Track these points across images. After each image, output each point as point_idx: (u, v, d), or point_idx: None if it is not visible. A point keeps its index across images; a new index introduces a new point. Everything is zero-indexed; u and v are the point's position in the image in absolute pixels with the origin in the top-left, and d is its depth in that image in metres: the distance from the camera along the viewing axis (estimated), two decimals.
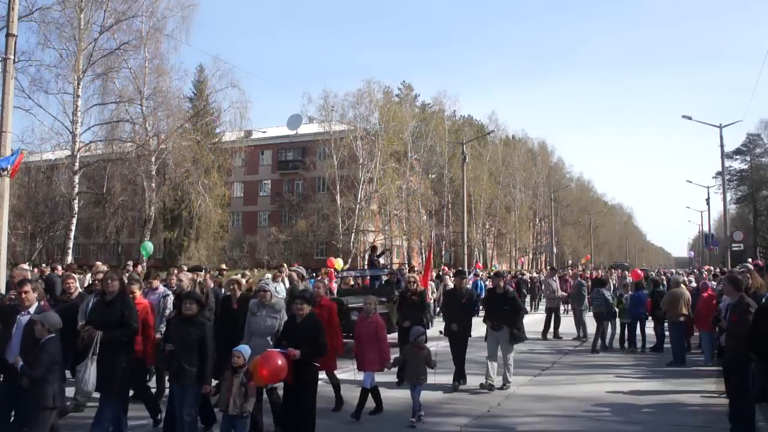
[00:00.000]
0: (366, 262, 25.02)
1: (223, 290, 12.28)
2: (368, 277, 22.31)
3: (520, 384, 12.55)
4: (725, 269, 24.19)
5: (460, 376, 12.25)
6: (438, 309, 21.41)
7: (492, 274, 22.45)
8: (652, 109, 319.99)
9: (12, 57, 16.67)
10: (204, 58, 52.52)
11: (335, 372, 10.44)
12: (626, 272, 31.23)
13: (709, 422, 9.61)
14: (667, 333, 16.64)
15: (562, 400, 11.21)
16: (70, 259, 30.75)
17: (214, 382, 8.04)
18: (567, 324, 21.15)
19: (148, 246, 26.89)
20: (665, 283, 21.23)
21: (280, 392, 8.68)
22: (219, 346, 8.12)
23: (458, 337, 12.19)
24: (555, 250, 77.21)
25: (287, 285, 20.58)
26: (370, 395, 9.89)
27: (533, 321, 26.18)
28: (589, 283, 22.23)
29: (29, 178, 45.47)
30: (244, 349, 7.87)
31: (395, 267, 31.02)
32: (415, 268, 33.92)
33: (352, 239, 51.11)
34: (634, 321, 17.91)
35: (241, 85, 45.69)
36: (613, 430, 9.51)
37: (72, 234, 32.76)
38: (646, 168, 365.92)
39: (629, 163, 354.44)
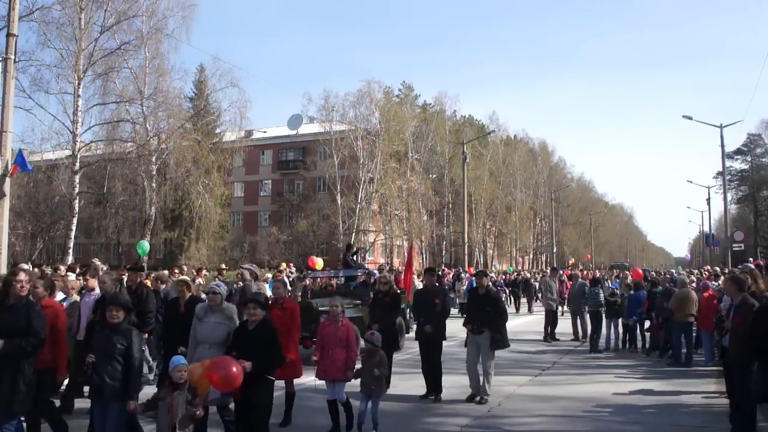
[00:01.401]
0: (341, 262, 23.12)
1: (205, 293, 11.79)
2: (343, 278, 21.16)
3: (521, 384, 12.55)
4: (725, 269, 24.17)
5: (435, 387, 11.18)
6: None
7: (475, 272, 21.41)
8: (652, 109, 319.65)
9: (12, 57, 16.71)
10: (204, 58, 52.76)
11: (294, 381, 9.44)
12: (627, 272, 31.21)
13: (709, 422, 9.60)
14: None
15: (562, 400, 11.20)
16: (70, 259, 30.74)
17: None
18: (565, 325, 21.07)
19: (145, 245, 26.85)
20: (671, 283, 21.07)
21: (239, 406, 7.68)
22: (166, 355, 7.69)
23: (430, 342, 11.28)
24: (555, 250, 77.23)
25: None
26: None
27: (528, 322, 26.33)
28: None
29: (29, 177, 45.41)
30: (184, 362, 6.94)
31: (371, 266, 29.65)
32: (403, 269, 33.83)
33: (352, 239, 51.07)
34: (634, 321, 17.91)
35: (242, 85, 45.96)
36: (613, 430, 9.49)
37: (72, 234, 32.76)
38: (646, 168, 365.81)
39: (630, 163, 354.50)
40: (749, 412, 8.48)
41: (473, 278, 29.83)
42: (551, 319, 20.73)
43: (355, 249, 21.68)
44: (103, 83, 34.42)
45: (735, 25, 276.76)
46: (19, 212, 42.25)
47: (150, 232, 37.97)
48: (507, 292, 35.34)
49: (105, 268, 19.95)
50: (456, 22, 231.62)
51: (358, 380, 8.82)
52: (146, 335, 10.38)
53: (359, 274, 19.98)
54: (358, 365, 8.94)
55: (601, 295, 18.60)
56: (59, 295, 10.79)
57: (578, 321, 19.95)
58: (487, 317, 10.98)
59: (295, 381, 9.44)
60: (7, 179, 16.14)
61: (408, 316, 17.67)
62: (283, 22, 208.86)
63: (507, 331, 11.28)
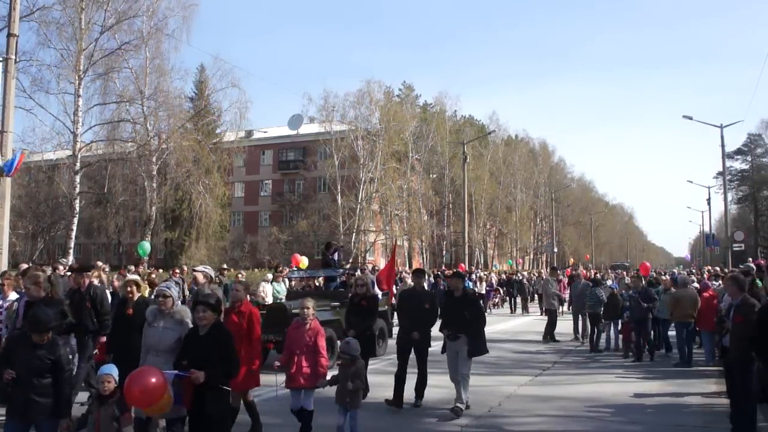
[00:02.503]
0: (321, 261, 21.56)
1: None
2: (322, 278, 20.32)
3: (521, 384, 12.55)
4: (725, 269, 24.19)
5: (419, 393, 10.66)
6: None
7: (451, 273, 19.18)
8: (653, 109, 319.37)
9: (13, 57, 16.71)
10: (205, 58, 52.76)
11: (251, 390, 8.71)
12: (625, 272, 31.21)
13: (710, 422, 9.60)
14: (671, 332, 16.65)
15: (562, 400, 11.20)
16: (71, 258, 30.75)
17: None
18: (565, 325, 21.05)
19: (145, 246, 26.87)
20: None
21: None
22: (115, 361, 7.06)
23: (417, 349, 10.57)
24: (556, 250, 77.27)
25: (286, 285, 20.53)
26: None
27: (528, 322, 26.33)
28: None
29: (30, 177, 45.49)
30: (113, 371, 6.40)
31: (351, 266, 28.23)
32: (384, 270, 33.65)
33: (353, 239, 51.11)
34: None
35: (242, 85, 45.88)
36: (614, 430, 9.50)
37: (73, 234, 32.76)
38: (647, 168, 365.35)
39: (630, 163, 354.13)
40: (750, 412, 8.48)
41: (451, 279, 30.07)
42: (551, 320, 20.56)
43: (334, 248, 20.44)
44: (103, 83, 34.43)
45: (735, 25, 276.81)
46: (20, 212, 42.35)
47: (150, 232, 37.97)
48: (501, 292, 35.38)
49: (107, 269, 20.11)
50: (456, 22, 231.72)
51: (333, 388, 8.24)
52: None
53: (338, 274, 18.63)
54: (334, 372, 8.53)
55: (603, 295, 18.54)
56: (12, 295, 10.17)
57: (579, 321, 19.91)
58: (464, 322, 10.20)
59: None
60: (8, 179, 16.13)
61: (391, 318, 17.17)
62: (284, 22, 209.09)
63: (486, 337, 10.59)
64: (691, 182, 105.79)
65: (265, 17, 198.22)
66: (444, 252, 65.57)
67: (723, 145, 41.60)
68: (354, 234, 50.99)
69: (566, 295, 25.10)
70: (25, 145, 31.09)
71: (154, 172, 37.22)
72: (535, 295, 34.24)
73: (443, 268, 42.94)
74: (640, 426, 9.51)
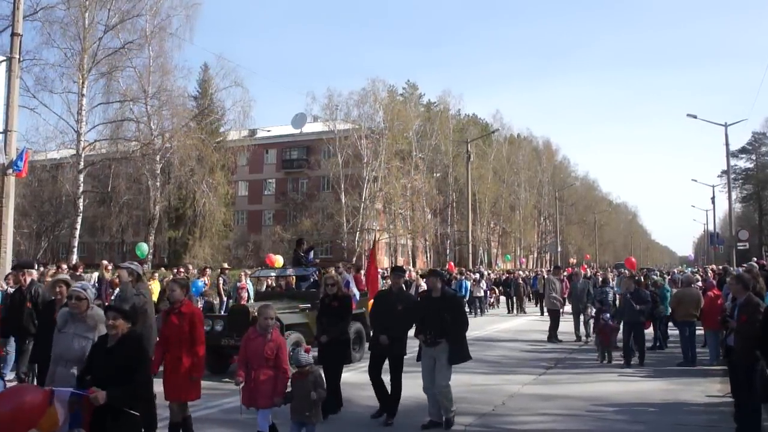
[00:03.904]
0: (292, 259, 19.80)
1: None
2: (293, 278, 18.70)
3: (525, 383, 12.50)
4: (731, 268, 24.13)
5: (389, 409, 9.45)
6: None
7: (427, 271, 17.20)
8: (657, 107, 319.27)
9: (17, 56, 16.77)
10: (208, 57, 52.91)
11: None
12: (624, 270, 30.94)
13: (714, 422, 9.56)
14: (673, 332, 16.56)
15: (566, 399, 11.16)
16: (75, 257, 30.82)
17: None
18: (567, 326, 20.89)
19: (143, 247, 26.89)
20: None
21: None
22: (40, 373, 6.51)
23: (389, 357, 9.52)
24: (560, 249, 77.21)
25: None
26: None
27: (530, 322, 26.26)
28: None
29: (34, 176, 45.53)
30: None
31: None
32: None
33: (356, 238, 51.15)
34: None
35: (245, 84, 45.93)
36: (617, 429, 9.46)
37: (77, 233, 32.89)
38: (651, 167, 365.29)
39: (634, 162, 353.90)
40: (755, 411, 8.45)
41: (462, 277, 29.64)
42: (554, 320, 20.08)
43: (307, 246, 18.90)
44: (107, 82, 34.64)
45: (739, 25, 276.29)
46: (24, 211, 42.43)
47: (154, 231, 38.07)
48: (497, 291, 35.11)
49: (110, 267, 20.12)
50: (460, 22, 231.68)
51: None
52: None
53: (309, 273, 16.63)
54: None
55: (611, 294, 18.19)
56: None
57: (581, 321, 19.74)
58: (443, 325, 8.97)
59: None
60: (12, 178, 16.14)
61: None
62: (287, 21, 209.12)
63: (467, 342, 9.39)
64: (696, 181, 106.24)
65: (268, 16, 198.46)
66: (448, 251, 65.55)
67: (727, 144, 41.43)
68: (358, 233, 51.04)
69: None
70: (29, 144, 31.19)
71: (158, 171, 37.30)
72: (532, 296, 34.14)
73: (448, 265, 42.84)
74: (643, 425, 9.48)
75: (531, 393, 11.69)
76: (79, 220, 33.17)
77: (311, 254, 18.23)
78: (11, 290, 10.41)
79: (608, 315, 15.44)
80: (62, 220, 48.47)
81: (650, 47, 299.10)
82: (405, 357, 9.56)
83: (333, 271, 15.82)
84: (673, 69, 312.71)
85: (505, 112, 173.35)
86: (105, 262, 20.60)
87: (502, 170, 74.26)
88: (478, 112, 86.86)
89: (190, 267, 24.53)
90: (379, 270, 21.15)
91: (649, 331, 17.27)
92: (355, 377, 12.08)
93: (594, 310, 17.49)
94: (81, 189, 33.19)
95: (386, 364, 9.54)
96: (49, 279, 12.34)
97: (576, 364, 15.53)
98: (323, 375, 7.97)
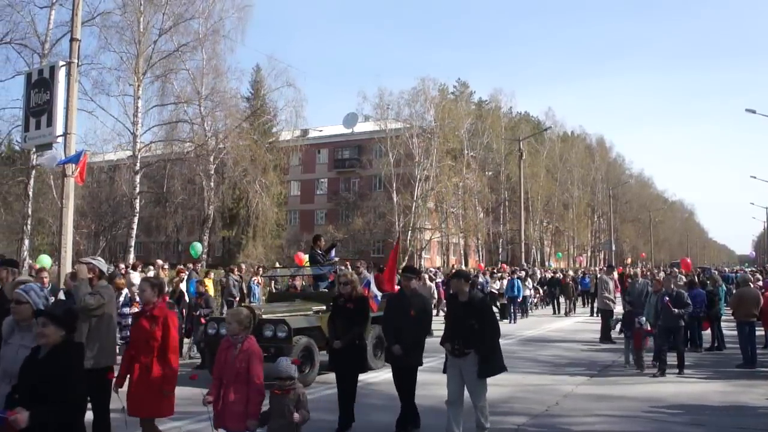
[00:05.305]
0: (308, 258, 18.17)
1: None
2: (309, 277, 17.53)
3: (578, 383, 12.40)
4: None
5: (410, 420, 8.60)
6: None
7: (451, 273, 16.11)
8: (713, 103, 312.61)
9: (76, 61, 17.08)
10: (259, 58, 53.45)
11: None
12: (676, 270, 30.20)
13: None
14: (730, 333, 16.25)
15: (621, 399, 11.04)
16: (132, 257, 31.40)
17: None
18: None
19: (197, 247, 27.24)
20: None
21: None
22: None
23: (401, 368, 8.63)
24: (614, 248, 76.20)
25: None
26: None
27: (582, 322, 25.89)
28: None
29: (92, 178, 46.41)
30: None
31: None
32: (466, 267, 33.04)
33: (409, 237, 51.17)
34: (693, 321, 17.42)
35: (297, 84, 46.11)
36: (674, 431, 9.33)
37: (134, 233, 33.49)
38: (708, 163, 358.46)
39: (690, 159, 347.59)
40: None
41: (513, 276, 28.88)
42: (606, 320, 19.35)
43: (329, 243, 17.57)
44: (161, 85, 35.19)
45: None
46: (83, 212, 43.19)
47: (208, 231, 38.55)
48: (542, 292, 34.14)
49: (166, 267, 20.48)
50: (511, 19, 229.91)
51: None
52: None
53: (323, 272, 15.46)
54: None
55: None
56: None
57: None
58: (471, 334, 7.90)
59: None
60: (72, 180, 16.49)
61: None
62: (337, 21, 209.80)
63: (502, 351, 8.26)
64: (755, 178, 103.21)
65: (318, 17, 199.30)
66: (500, 250, 65.21)
67: None
68: (410, 232, 51.04)
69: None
70: (87, 147, 31.73)
71: (212, 172, 37.74)
72: (580, 296, 32.92)
73: (500, 265, 42.57)
74: (702, 428, 9.33)
75: (585, 393, 11.59)
76: (136, 220, 33.74)
77: (333, 252, 16.69)
78: None
79: (643, 318, 14.09)
80: (119, 220, 49.29)
81: (706, 42, 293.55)
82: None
83: (349, 269, 14.73)
84: (731, 63, 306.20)
85: (558, 110, 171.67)
86: (160, 261, 20.93)
87: (555, 168, 73.66)
88: (530, 110, 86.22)
89: (243, 266, 24.82)
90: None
91: (707, 332, 17.08)
92: (368, 388, 10.99)
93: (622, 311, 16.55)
94: (137, 190, 33.75)
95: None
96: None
97: (631, 364, 15.32)
98: (306, 394, 6.71)
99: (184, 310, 15.49)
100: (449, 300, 8.73)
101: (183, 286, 17.26)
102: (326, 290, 14.50)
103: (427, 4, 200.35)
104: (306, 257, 20.57)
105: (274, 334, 11.69)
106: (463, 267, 47.41)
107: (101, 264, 7.71)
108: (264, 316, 11.96)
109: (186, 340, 15.49)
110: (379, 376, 11.98)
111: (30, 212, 30.50)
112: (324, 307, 12.62)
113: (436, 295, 25.36)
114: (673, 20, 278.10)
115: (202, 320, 14.05)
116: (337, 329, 8.74)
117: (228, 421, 6.18)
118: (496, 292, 27.50)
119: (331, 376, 9.41)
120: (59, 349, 4.82)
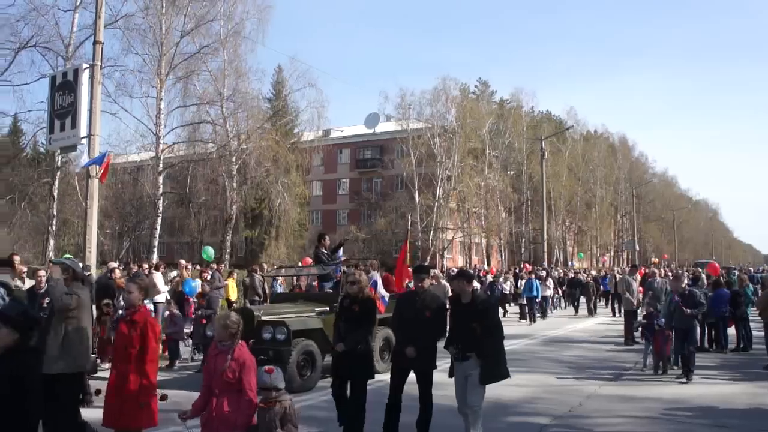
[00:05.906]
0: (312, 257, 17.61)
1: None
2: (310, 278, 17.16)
3: (602, 384, 12.33)
4: None
5: (425, 422, 8.11)
6: None
7: (454, 273, 15.39)
8: (739, 100, 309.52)
9: (99, 63, 17.25)
10: (281, 59, 53.58)
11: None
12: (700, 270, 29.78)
13: None
14: (759, 333, 16.10)
15: (645, 401, 10.97)
16: (155, 257, 31.62)
17: None
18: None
19: (209, 250, 27.25)
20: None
21: None
22: None
23: (417, 371, 8.10)
24: (638, 248, 75.75)
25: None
26: None
27: (606, 322, 25.73)
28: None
29: (116, 179, 46.78)
30: None
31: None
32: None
33: (430, 237, 51.17)
34: (718, 321, 17.29)
35: (319, 85, 46.33)
36: None
37: (157, 233, 33.70)
38: (732, 162, 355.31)
39: (714, 157, 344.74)
40: None
41: (531, 277, 28.57)
42: (630, 321, 18.90)
43: (337, 242, 17.09)
44: (183, 86, 35.35)
45: None
46: (107, 212, 43.55)
47: (231, 231, 38.73)
48: (561, 292, 33.85)
49: (189, 267, 20.59)
50: (531, 17, 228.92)
51: None
52: None
53: (327, 272, 14.73)
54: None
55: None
56: None
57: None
58: (473, 337, 7.58)
59: None
60: (96, 180, 16.66)
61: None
62: (357, 22, 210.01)
63: (506, 355, 7.85)
64: None
65: (338, 17, 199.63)
66: (522, 249, 65.02)
67: None
68: (432, 232, 51.05)
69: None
70: (111, 148, 32.04)
71: (234, 172, 37.89)
72: (601, 297, 32.40)
73: (523, 265, 42.41)
74: (727, 430, 9.26)
75: (609, 394, 11.52)
76: (159, 220, 33.98)
77: (340, 252, 16.20)
78: None
79: (663, 320, 13.64)
80: (143, 220, 49.70)
81: (731, 38, 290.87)
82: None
83: (357, 269, 13.64)
84: (755, 59, 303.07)
85: (580, 109, 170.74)
86: (183, 261, 21.04)
87: (577, 167, 73.24)
88: (552, 109, 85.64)
89: (265, 266, 24.90)
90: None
91: (732, 332, 16.92)
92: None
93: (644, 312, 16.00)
94: (160, 190, 34.01)
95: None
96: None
97: (648, 367, 15.23)
98: (295, 406, 6.35)
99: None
100: (452, 301, 8.28)
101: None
102: (331, 290, 13.99)
103: (446, 4, 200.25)
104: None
105: (272, 337, 11.26)
106: (485, 267, 47.26)
107: (75, 264, 7.60)
108: (263, 318, 11.60)
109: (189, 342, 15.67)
110: (385, 378, 11.48)
111: (55, 213, 30.92)
112: (327, 308, 12.26)
113: (450, 294, 25.17)
114: (695, 15, 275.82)
115: (203, 321, 14.15)
116: (341, 332, 8.30)
117: (224, 428, 5.74)
118: (508, 292, 27.40)
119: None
120: (12, 354, 4.54)
